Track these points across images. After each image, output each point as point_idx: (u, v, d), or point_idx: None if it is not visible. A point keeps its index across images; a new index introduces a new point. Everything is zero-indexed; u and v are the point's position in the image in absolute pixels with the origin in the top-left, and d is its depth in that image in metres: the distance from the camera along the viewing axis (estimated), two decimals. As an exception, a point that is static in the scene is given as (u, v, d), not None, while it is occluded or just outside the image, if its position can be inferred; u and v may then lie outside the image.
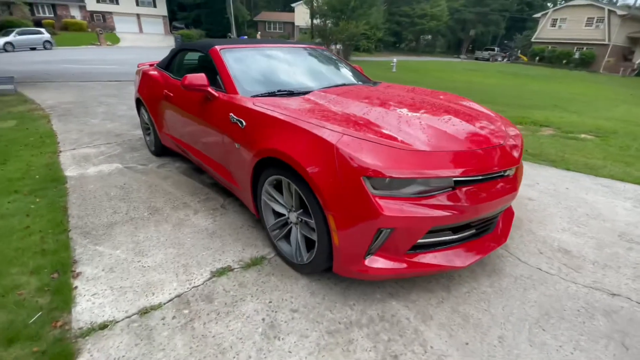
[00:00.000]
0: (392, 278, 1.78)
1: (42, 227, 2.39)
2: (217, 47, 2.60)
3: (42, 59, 14.69)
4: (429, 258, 1.63)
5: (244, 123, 2.02)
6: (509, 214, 2.14)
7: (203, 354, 1.43)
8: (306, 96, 2.20)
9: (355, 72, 3.14)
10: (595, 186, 3.26)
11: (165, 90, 3.08)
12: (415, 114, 1.97)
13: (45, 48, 19.19)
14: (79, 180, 3.18)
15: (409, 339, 1.50)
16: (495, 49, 37.40)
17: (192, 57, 3.33)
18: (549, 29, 32.71)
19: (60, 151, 3.95)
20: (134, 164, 3.65)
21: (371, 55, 27.44)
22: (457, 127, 1.84)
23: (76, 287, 1.83)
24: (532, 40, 34.37)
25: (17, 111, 5.81)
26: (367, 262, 1.56)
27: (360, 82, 2.89)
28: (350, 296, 1.76)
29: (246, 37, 22.54)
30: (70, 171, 3.38)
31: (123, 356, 1.43)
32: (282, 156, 1.69)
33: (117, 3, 30.73)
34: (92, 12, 30.02)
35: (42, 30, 19.64)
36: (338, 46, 19.93)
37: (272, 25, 42.38)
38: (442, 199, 1.51)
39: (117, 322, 1.60)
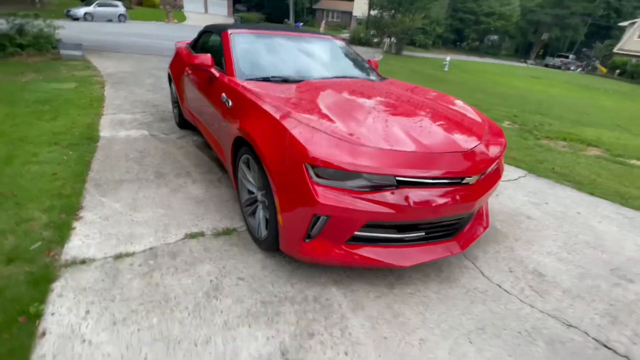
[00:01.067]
0: (330, 264, 1.82)
1: (66, 175, 2.79)
2: (229, 31, 2.77)
3: (114, 30, 16.23)
4: (368, 251, 1.68)
5: (230, 103, 2.18)
6: (480, 225, 2.07)
7: (149, 298, 1.64)
8: (295, 84, 2.29)
9: (365, 67, 3.14)
10: (614, 215, 2.97)
11: (187, 68, 3.35)
12: (388, 112, 1.98)
13: (119, 21, 21.15)
14: (109, 141, 3.60)
15: (331, 322, 1.58)
16: (570, 56, 33.67)
17: (215, 38, 3.56)
18: (636, 40, 28.65)
19: (103, 114, 4.47)
20: (158, 132, 4.02)
21: (427, 51, 26.26)
22: (423, 129, 1.82)
23: (74, 228, 2.15)
24: (615, 50, 30.39)
25: (79, 75, 6.60)
26: (306, 245, 1.65)
27: (365, 77, 2.90)
28: (296, 276, 1.87)
29: (301, 24, 22.75)
30: (104, 132, 3.84)
31: (89, 287, 1.69)
32: (246, 136, 1.82)
33: (187, -17, 32.73)
34: (166, -10, 32.30)
35: (119, 4, 21.63)
36: (392, 39, 19.37)
37: (329, 14, 42.24)
38: (382, 196, 1.54)
39: (95, 260, 1.88)
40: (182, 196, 2.64)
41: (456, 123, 2.02)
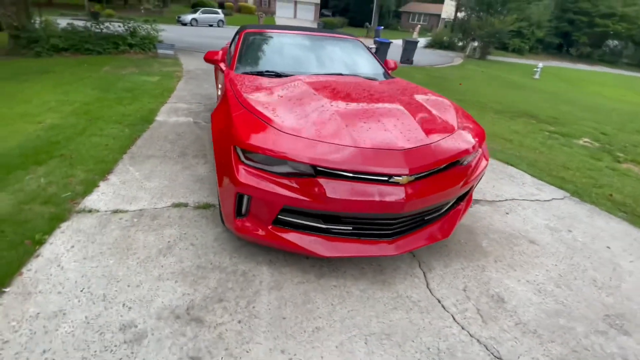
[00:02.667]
0: (259, 244, 1.89)
1: (114, 147, 3.46)
2: (246, 30, 3.08)
3: (210, 34, 18.57)
4: (293, 237, 1.75)
5: (219, 93, 2.46)
6: (436, 233, 1.93)
7: (117, 245, 2.01)
8: (279, 78, 2.46)
9: (372, 66, 3.12)
10: (662, 258, 2.37)
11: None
12: (344, 108, 1.99)
13: (218, 26, 24.12)
14: (159, 124, 4.29)
15: (244, 294, 1.71)
16: None
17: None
18: None
19: (166, 103, 5.30)
20: (201, 120, 4.61)
21: (521, 57, 23.31)
22: (370, 126, 1.80)
23: (99, 186, 2.70)
24: None
25: (165, 70, 7.85)
26: (237, 221, 1.81)
27: (364, 74, 2.88)
28: (239, 252, 2.03)
29: (382, 27, 22.57)
30: (159, 117, 4.57)
31: (83, 230, 2.14)
32: (211, 119, 2.06)
33: (282, -11, 35.51)
34: (261, -2, 35.70)
35: (219, 11, 24.69)
36: (475, 43, 17.80)
37: (416, 17, 40.75)
38: (299, 183, 1.60)
39: (98, 212, 2.35)
40: (189, 173, 3.05)
41: (415, 123, 1.93)
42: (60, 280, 1.73)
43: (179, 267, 1.87)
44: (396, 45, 16.96)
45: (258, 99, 2.00)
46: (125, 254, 1.96)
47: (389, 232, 1.81)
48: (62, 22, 10.03)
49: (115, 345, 1.41)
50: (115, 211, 2.37)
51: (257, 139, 1.66)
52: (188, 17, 22.14)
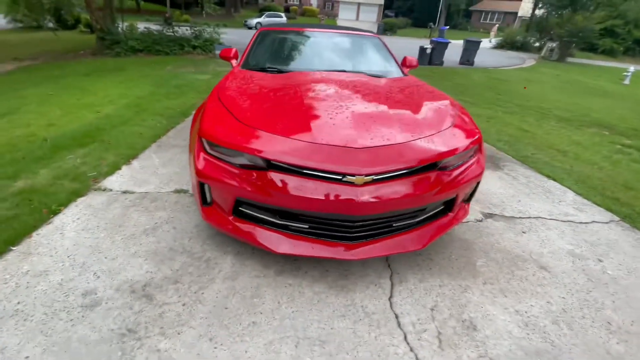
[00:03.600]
0: (223, 232, 1.90)
1: (147, 136, 3.84)
2: (262, 28, 3.17)
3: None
4: (249, 228, 1.76)
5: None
6: (408, 243, 1.77)
7: (113, 222, 2.23)
8: (275, 74, 2.48)
9: (382, 63, 2.97)
10: None
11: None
12: (322, 102, 1.93)
13: (280, 29, 25.28)
14: (192, 117, 4.65)
15: (198, 280, 1.76)
16: None
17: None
18: None
19: (207, 98, 5.71)
20: (232, 115, 4.87)
21: (613, 59, 19.95)
22: (337, 121, 1.73)
23: (120, 169, 3.03)
24: None
25: (218, 70, 8.44)
26: (204, 209, 1.88)
27: (371, 71, 2.75)
28: (213, 240, 2.10)
29: (447, 27, 21.32)
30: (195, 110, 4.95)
31: (93, 205, 2.42)
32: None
33: (346, -8, 35.69)
34: (325, 1, 36.29)
35: (282, 14, 25.82)
36: (553, 43, 15.73)
37: (489, 15, 37.51)
38: (250, 175, 1.60)
39: (111, 191, 2.64)
40: (201, 163, 3.24)
41: (392, 121, 1.79)
42: (56, 245, 1.98)
43: (154, 247, 2.01)
44: (457, 45, 15.92)
45: (236, 93, 2.05)
46: (116, 229, 2.16)
47: (349, 235, 1.70)
48: (143, 27, 11.45)
49: (73, 307, 1.56)
50: (125, 192, 2.63)
51: (218, 131, 1.70)
52: (253, 21, 23.55)
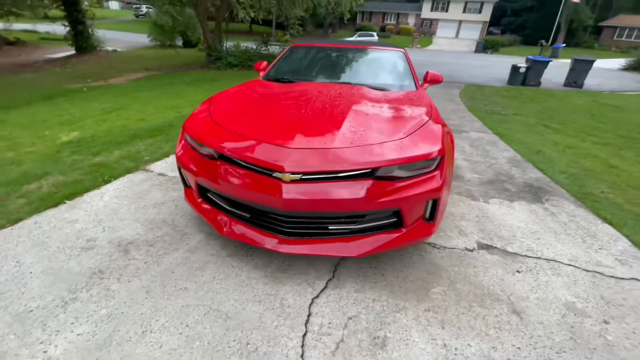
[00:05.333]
0: (194, 212, 2.24)
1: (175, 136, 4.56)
2: (293, 44, 3.51)
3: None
4: (209, 211, 2.03)
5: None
6: (340, 249, 1.78)
7: (137, 194, 2.79)
8: (282, 84, 2.76)
9: (397, 78, 2.95)
10: None
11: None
12: (298, 109, 2.14)
13: (371, 48, 25.89)
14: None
15: (167, 247, 2.11)
16: None
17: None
18: None
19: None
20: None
21: None
22: (296, 124, 1.89)
23: (168, 157, 3.71)
24: None
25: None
26: (186, 190, 2.23)
27: (379, 85, 2.77)
28: (197, 220, 2.44)
29: (564, 45, 18.63)
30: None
31: (133, 181, 3.06)
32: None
33: (447, 11, 34.33)
34: (423, 19, 35.66)
35: (373, 34, 26.37)
36: None
37: (625, 32, 30.80)
38: (206, 164, 1.88)
39: (152, 172, 3.28)
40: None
41: (345, 128, 1.86)
42: (92, 204, 2.61)
43: (152, 217, 2.46)
44: (567, 65, 13.86)
45: (226, 97, 2.38)
46: (135, 200, 2.71)
47: (284, 229, 1.81)
48: (246, 46, 13.30)
49: (75, 247, 2.07)
50: (159, 174, 3.24)
51: (194, 126, 2.05)
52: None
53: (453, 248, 2.29)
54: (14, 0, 15.06)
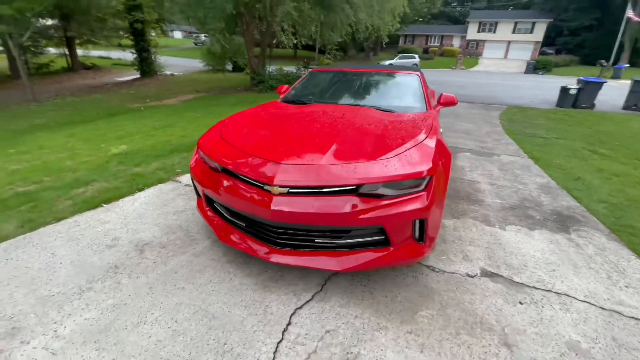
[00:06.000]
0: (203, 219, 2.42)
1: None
2: (313, 69, 3.74)
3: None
4: (214, 218, 2.21)
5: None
6: (325, 263, 1.84)
7: (163, 201, 3.09)
8: (302, 105, 2.95)
9: (407, 100, 3.00)
10: None
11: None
12: (300, 129, 2.31)
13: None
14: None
15: (177, 250, 2.31)
16: None
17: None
18: None
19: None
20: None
21: None
22: (294, 144, 2.06)
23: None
24: None
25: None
26: (198, 200, 2.45)
27: (386, 106, 2.84)
28: (203, 231, 2.64)
29: (627, 65, 17.09)
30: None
31: (162, 190, 3.40)
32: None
33: (494, 32, 33.31)
34: (468, 41, 34.94)
35: (415, 56, 26.30)
36: None
37: None
38: (211, 176, 2.07)
39: (180, 182, 3.62)
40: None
41: (338, 148, 1.95)
42: (124, 209, 2.95)
43: (170, 222, 2.71)
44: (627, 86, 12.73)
45: (239, 118, 2.61)
46: (161, 207, 3.01)
47: (273, 239, 1.92)
48: (288, 70, 14.10)
49: (101, 245, 2.37)
50: (186, 185, 3.55)
51: (206, 142, 2.27)
52: (386, 63, 25.04)
53: (453, 273, 2.22)
54: (93, 31, 17.65)
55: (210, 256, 2.27)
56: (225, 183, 1.99)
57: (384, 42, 14.90)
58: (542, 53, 31.72)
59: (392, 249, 1.87)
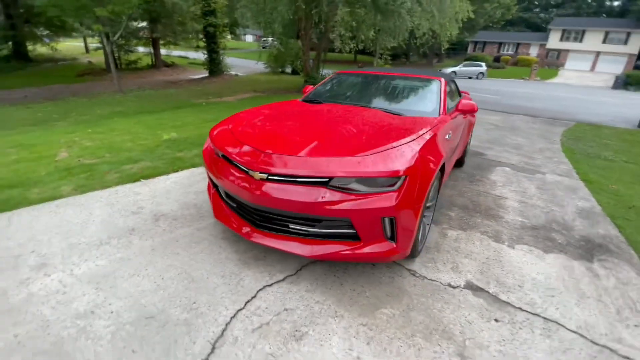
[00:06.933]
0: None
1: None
2: (338, 71, 3.87)
3: (460, 84, 19.01)
4: (216, 198, 2.48)
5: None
6: (293, 247, 1.97)
7: (189, 182, 3.50)
8: (318, 104, 3.11)
9: (420, 105, 2.97)
10: None
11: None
12: (303, 125, 2.48)
13: (477, 78, 24.05)
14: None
15: (184, 222, 2.63)
16: None
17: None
18: None
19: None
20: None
21: None
22: (291, 137, 2.24)
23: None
24: None
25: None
26: (208, 183, 2.75)
27: (396, 110, 2.84)
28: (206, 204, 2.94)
29: None
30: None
31: (193, 172, 3.83)
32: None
33: (580, 41, 29.48)
34: (549, 50, 31.48)
35: (482, 64, 24.50)
36: None
37: None
38: (216, 162, 2.32)
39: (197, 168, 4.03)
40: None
41: (328, 144, 2.07)
42: (157, 185, 3.40)
43: (189, 200, 3.06)
44: None
45: (250, 113, 2.84)
46: (186, 187, 3.40)
47: (256, 221, 2.10)
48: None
49: (128, 211, 2.79)
50: (201, 172, 3.94)
51: (215, 133, 2.54)
52: (448, 70, 23.86)
53: (434, 280, 2.18)
54: (174, 34, 19.94)
55: (211, 232, 2.55)
56: (222, 167, 2.24)
57: (443, 48, 14.27)
58: (636, 67, 27.14)
59: (361, 244, 1.93)
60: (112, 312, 1.72)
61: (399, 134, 2.21)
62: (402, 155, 1.94)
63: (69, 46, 30.48)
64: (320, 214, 1.86)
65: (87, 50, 28.14)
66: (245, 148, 2.14)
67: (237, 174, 2.10)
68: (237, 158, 2.10)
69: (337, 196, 1.83)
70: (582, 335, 1.81)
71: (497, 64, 30.18)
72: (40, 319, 1.66)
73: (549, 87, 21.91)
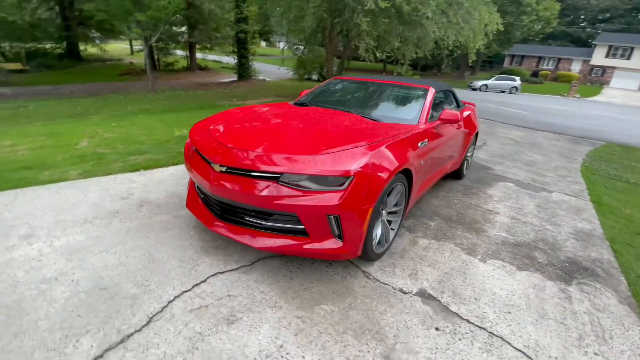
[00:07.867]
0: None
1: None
2: (333, 77, 3.97)
3: (491, 99, 18.34)
4: (192, 190, 2.65)
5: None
6: (245, 237, 2.07)
7: (184, 173, 3.72)
8: (303, 107, 3.23)
9: (402, 112, 2.99)
10: None
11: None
12: (273, 125, 2.60)
13: (510, 92, 23.03)
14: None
15: (168, 210, 2.81)
16: None
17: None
18: None
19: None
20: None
21: None
22: (257, 134, 2.37)
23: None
24: None
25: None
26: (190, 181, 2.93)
27: (373, 117, 2.88)
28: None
29: None
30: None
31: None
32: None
33: (628, 58, 27.36)
34: (592, 66, 29.55)
35: (516, 78, 23.40)
36: None
37: None
38: (191, 154, 2.49)
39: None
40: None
41: (287, 141, 2.18)
42: (153, 176, 3.65)
43: (176, 190, 3.26)
44: None
45: (237, 111, 3.00)
46: (178, 179, 3.62)
47: (217, 212, 2.23)
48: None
49: (119, 196, 3.03)
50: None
51: (195, 130, 2.71)
52: (479, 83, 23.10)
53: (386, 284, 2.18)
54: (209, 39, 21.06)
55: (185, 220, 2.71)
56: (194, 160, 2.40)
57: (470, 60, 13.92)
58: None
59: (310, 240, 1.99)
60: (72, 281, 1.91)
61: (360, 137, 2.26)
62: (353, 157, 1.99)
63: (116, 47, 33.01)
64: (269, 207, 1.95)
65: (132, 51, 30.33)
66: (213, 143, 2.29)
67: (202, 166, 2.25)
68: (203, 150, 2.25)
69: (284, 191, 1.92)
70: (526, 355, 1.75)
71: (534, 79, 28.82)
72: (12, 279, 1.88)
73: (587, 104, 20.57)
